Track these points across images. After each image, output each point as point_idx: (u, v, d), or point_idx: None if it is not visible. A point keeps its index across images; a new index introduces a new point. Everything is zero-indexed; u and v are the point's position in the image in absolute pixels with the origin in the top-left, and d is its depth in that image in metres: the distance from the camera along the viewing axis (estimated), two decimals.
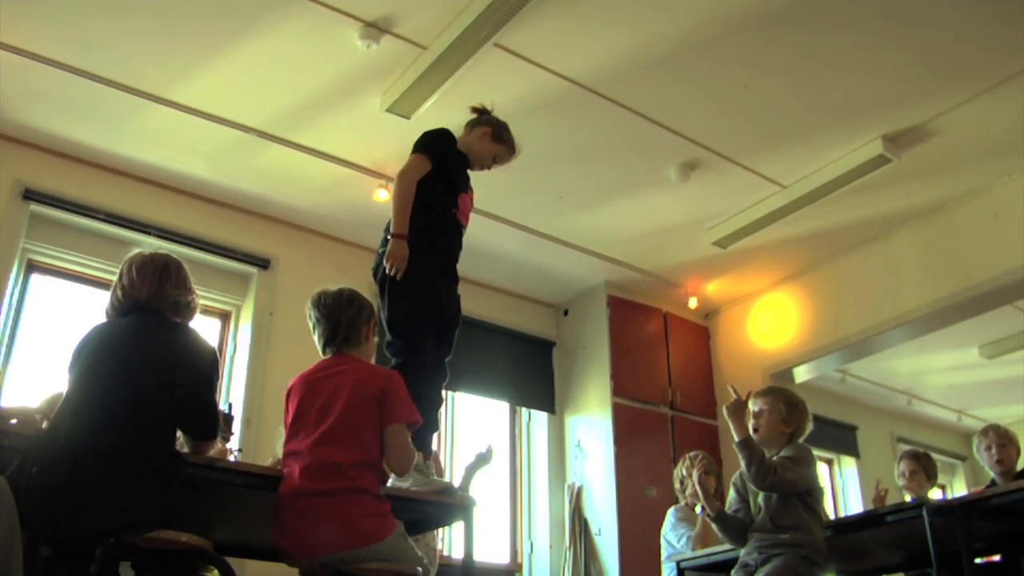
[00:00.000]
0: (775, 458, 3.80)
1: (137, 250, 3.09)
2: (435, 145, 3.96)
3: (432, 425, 3.68)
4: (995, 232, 5.82)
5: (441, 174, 3.91)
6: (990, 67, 4.86)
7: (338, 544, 2.66)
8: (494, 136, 4.11)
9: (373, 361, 3.25)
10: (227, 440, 3.83)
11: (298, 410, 2.94)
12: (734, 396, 3.94)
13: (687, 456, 5.13)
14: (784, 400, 4.01)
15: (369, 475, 2.78)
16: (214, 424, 2.93)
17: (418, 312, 3.68)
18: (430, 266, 3.78)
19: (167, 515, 2.51)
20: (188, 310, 3.01)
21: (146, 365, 2.71)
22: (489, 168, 4.17)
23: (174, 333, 2.89)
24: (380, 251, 3.80)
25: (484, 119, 4.17)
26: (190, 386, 2.78)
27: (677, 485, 5.21)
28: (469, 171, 4.13)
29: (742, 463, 3.78)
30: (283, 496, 2.78)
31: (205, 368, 2.87)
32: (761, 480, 3.73)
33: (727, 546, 4.18)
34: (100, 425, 2.54)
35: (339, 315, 3.07)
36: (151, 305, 2.90)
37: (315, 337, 3.14)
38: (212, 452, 3.01)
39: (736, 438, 3.81)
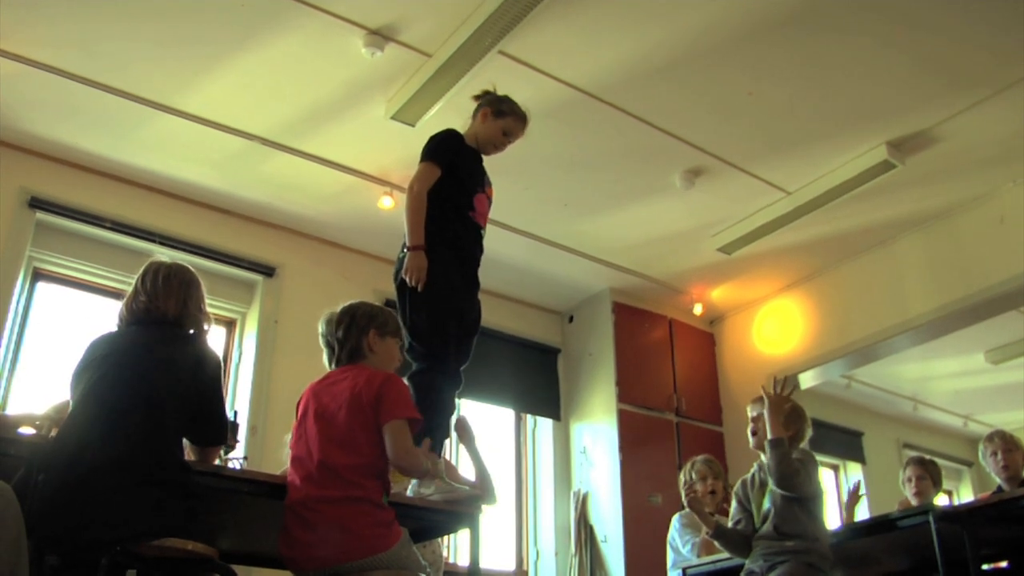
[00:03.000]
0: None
1: (157, 259, 3.08)
2: (442, 150, 3.90)
3: (445, 431, 3.66)
4: (1000, 237, 5.80)
5: (453, 178, 3.86)
6: (995, 73, 4.86)
7: (343, 556, 2.66)
8: (495, 113, 4.02)
9: (398, 362, 3.24)
10: (231, 448, 3.84)
11: (303, 419, 2.96)
12: (769, 391, 3.90)
13: (692, 460, 5.12)
14: (789, 410, 4.02)
15: (370, 481, 2.78)
16: (221, 430, 2.94)
17: (439, 318, 3.64)
18: (451, 273, 3.74)
19: (173, 523, 2.52)
20: (205, 324, 3.04)
21: (154, 375, 2.71)
22: (504, 147, 4.08)
23: (180, 342, 2.89)
24: (400, 256, 3.76)
25: (483, 101, 4.10)
26: (197, 393, 2.79)
27: (685, 491, 5.17)
28: (487, 156, 4.07)
29: (769, 461, 3.74)
30: (289, 505, 2.79)
31: (212, 375, 2.88)
32: (786, 481, 3.71)
33: None
34: (109, 435, 2.54)
35: (332, 339, 3.12)
36: (171, 319, 2.91)
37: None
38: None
39: (770, 435, 3.77)
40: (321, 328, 3.17)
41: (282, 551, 2.78)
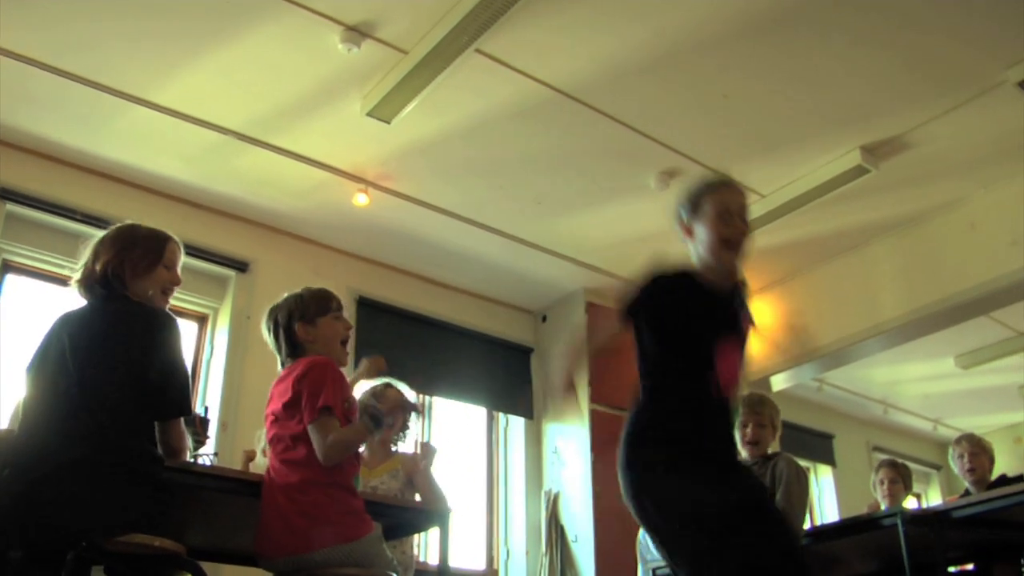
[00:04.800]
0: (780, 472, 3.92)
1: (118, 226, 2.99)
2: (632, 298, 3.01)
3: None
4: (971, 243, 5.86)
5: (667, 340, 3.04)
6: (968, 79, 4.90)
7: (312, 542, 2.66)
8: (694, 208, 3.09)
9: (341, 334, 3.19)
10: (201, 444, 3.81)
11: (272, 407, 2.98)
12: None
13: None
14: (777, 412, 4.31)
15: (334, 467, 2.78)
16: (180, 401, 2.75)
17: (719, 544, 2.60)
18: (699, 487, 2.77)
19: (140, 518, 2.49)
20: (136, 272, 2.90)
21: (113, 365, 2.65)
22: (741, 231, 3.01)
23: (135, 321, 2.78)
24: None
25: (675, 217, 3.17)
26: (157, 374, 2.69)
27: None
28: (727, 263, 3.08)
29: None
30: (265, 493, 2.79)
31: (170, 354, 2.76)
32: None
33: None
34: (71, 429, 2.50)
35: (275, 349, 3.16)
36: (107, 277, 2.82)
37: None
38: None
39: None
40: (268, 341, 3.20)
41: (256, 540, 2.78)
